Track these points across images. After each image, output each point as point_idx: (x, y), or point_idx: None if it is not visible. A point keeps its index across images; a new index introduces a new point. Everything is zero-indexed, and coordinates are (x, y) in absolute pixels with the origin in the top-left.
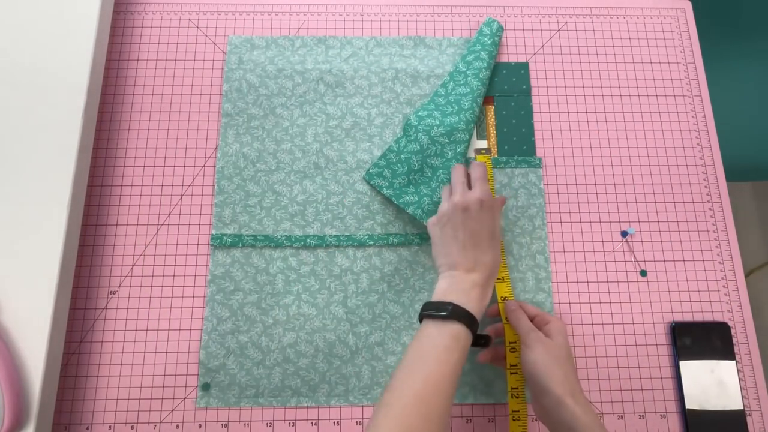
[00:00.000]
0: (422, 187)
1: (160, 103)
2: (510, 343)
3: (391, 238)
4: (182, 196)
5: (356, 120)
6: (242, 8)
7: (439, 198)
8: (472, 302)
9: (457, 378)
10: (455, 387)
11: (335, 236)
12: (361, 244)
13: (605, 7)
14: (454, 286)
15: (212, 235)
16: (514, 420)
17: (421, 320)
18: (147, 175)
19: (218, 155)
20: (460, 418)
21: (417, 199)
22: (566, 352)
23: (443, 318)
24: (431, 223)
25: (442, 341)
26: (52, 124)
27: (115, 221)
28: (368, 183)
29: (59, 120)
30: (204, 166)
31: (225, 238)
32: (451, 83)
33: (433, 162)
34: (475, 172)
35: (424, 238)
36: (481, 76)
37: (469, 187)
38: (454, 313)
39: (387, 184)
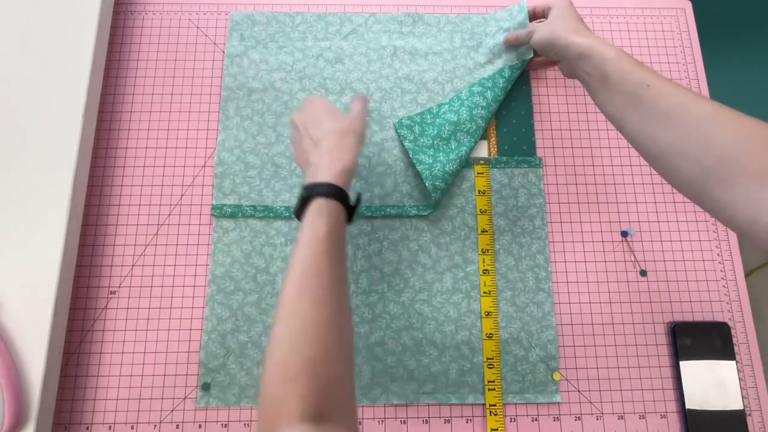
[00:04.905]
0: (441, 154)
1: (160, 103)
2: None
3: (388, 210)
4: (182, 196)
5: (355, 95)
6: (242, 8)
7: (452, 169)
8: (323, 171)
9: (336, 248)
10: (336, 259)
11: None
12: (360, 216)
13: (605, 7)
14: (308, 172)
15: (212, 205)
16: (491, 414)
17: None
18: (147, 175)
19: (219, 128)
20: (460, 418)
21: (431, 162)
22: (563, 13)
23: (300, 208)
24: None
25: (307, 222)
26: (52, 124)
27: (115, 221)
28: (395, 129)
29: (59, 120)
30: (204, 166)
31: (225, 208)
32: (508, 70)
33: (462, 138)
34: None
35: (421, 209)
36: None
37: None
38: (306, 192)
39: (411, 138)
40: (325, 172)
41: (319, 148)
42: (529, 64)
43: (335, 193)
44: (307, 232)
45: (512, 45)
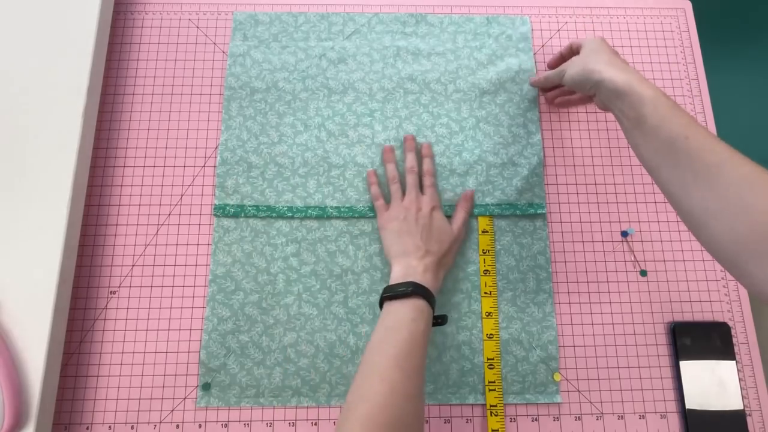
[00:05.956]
0: None
1: (160, 103)
2: (487, 335)
3: None
4: (182, 196)
5: (358, 95)
6: (242, 8)
7: None
8: (427, 283)
9: (425, 345)
10: (425, 353)
11: (336, 207)
12: (362, 216)
13: (605, 7)
14: (409, 270)
15: (215, 205)
16: (492, 415)
17: (381, 303)
18: (147, 175)
19: (222, 128)
20: (460, 418)
21: None
22: (596, 47)
23: (406, 296)
24: (385, 219)
25: (408, 314)
26: (52, 125)
27: (115, 221)
28: None
29: (59, 120)
30: (204, 166)
31: (228, 208)
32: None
33: None
34: (428, 179)
35: None
36: None
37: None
38: (416, 290)
39: None
40: (430, 283)
41: (424, 260)
42: (567, 103)
43: (434, 301)
44: (408, 321)
45: (541, 86)
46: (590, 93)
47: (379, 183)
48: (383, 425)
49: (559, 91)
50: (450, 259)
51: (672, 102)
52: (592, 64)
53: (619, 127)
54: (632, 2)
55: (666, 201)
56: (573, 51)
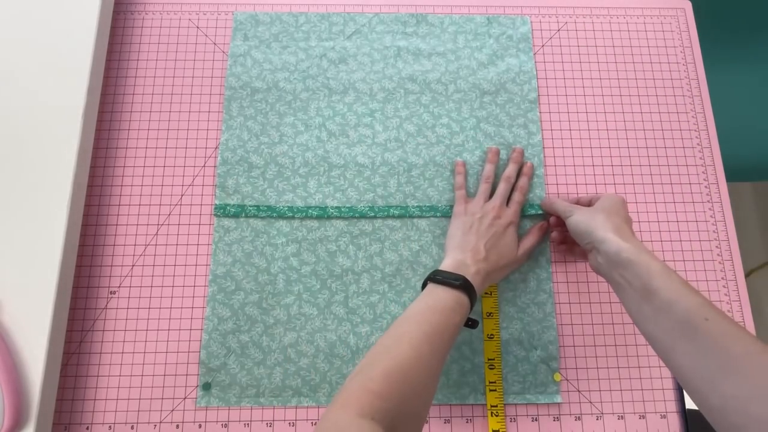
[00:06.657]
0: None
1: (160, 103)
2: (488, 336)
3: (392, 210)
4: (182, 196)
5: (358, 95)
6: (242, 8)
7: None
8: (478, 282)
9: (454, 339)
10: (451, 346)
11: (337, 207)
12: (362, 216)
13: (605, 7)
14: (461, 267)
15: (215, 205)
16: (493, 415)
17: (424, 285)
18: (147, 175)
19: (222, 128)
20: (460, 417)
21: None
22: (611, 205)
23: (454, 286)
24: (462, 210)
25: (449, 303)
26: (52, 124)
27: (115, 221)
28: None
29: (59, 120)
30: (204, 166)
31: (228, 208)
32: None
33: None
34: (518, 196)
35: (423, 210)
36: None
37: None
38: (464, 285)
39: None
40: (478, 284)
41: (478, 264)
42: (565, 252)
43: (474, 302)
44: (448, 309)
45: (547, 210)
46: (586, 248)
47: (466, 175)
48: (402, 383)
49: (563, 235)
50: (499, 276)
51: (677, 275)
52: (599, 222)
53: (619, 127)
54: (632, 2)
55: (665, 202)
56: (591, 203)
